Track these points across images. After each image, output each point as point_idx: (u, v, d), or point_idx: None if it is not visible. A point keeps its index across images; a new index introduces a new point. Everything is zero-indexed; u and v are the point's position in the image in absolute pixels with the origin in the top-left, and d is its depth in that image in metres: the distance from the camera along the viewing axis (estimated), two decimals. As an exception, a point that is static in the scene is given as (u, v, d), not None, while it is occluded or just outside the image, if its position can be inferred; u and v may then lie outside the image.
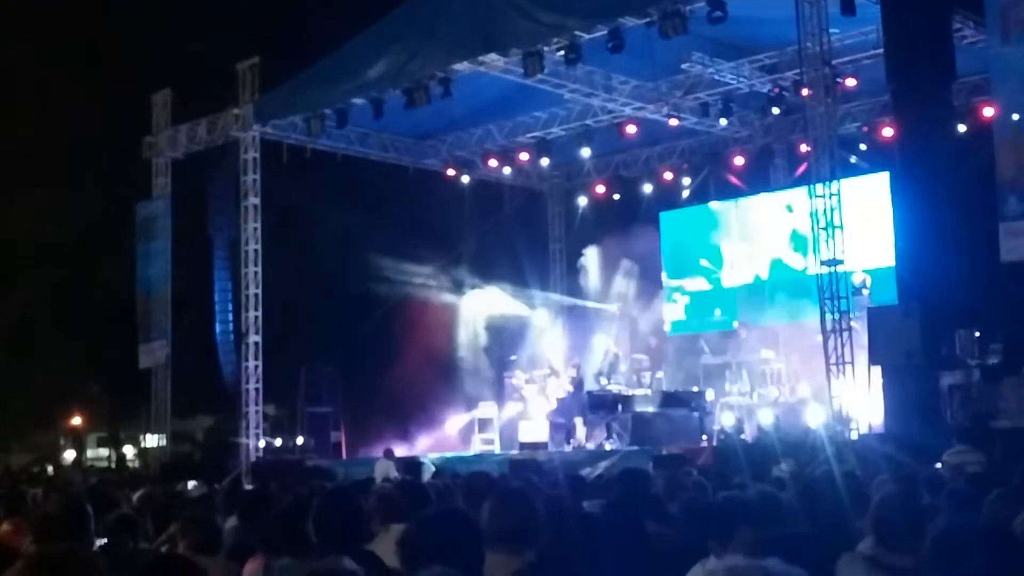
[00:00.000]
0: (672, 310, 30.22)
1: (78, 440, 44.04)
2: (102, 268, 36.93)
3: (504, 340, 30.43)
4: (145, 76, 31.82)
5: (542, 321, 30.63)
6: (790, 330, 25.96)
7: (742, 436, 22.35)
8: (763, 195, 29.19)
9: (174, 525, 8.70)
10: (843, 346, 20.14)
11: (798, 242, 26.86)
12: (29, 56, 35.54)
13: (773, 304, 27.39)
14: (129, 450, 40.46)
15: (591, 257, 31.46)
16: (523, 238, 32.07)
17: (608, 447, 24.01)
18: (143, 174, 30.21)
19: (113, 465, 37.54)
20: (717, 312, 29.17)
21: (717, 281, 29.53)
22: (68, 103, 37.10)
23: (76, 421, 43.22)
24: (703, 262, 29.77)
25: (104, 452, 43.37)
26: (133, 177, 31.13)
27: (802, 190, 22.31)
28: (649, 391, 26.57)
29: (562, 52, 22.73)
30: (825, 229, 20.39)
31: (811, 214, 20.60)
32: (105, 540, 7.36)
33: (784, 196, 28.03)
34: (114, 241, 34.54)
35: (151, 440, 31.60)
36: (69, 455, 41.93)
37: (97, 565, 4.52)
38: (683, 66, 24.74)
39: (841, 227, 20.35)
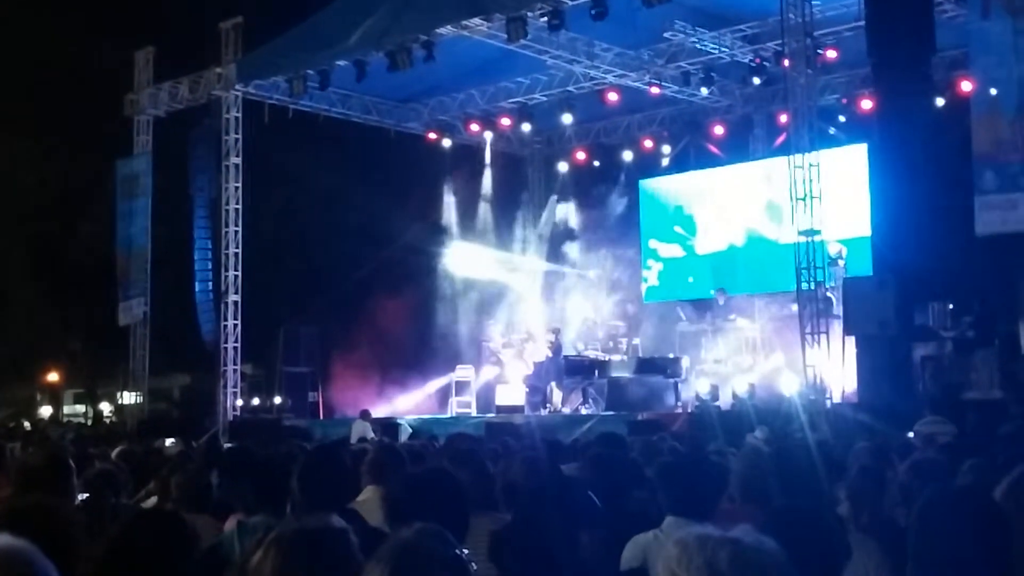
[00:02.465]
0: (648, 277, 30.37)
1: (55, 396, 44.05)
2: (82, 224, 36.93)
3: (482, 304, 30.49)
4: (128, 34, 31.71)
5: (520, 286, 30.69)
6: (766, 299, 26.16)
7: (717, 403, 22.55)
8: (741, 164, 29.25)
9: (155, 481, 8.80)
10: (818, 316, 20.32)
11: (773, 212, 26.97)
12: (10, 11, 35.32)
13: (747, 273, 27.54)
14: (106, 407, 40.50)
15: (570, 223, 31.61)
16: (503, 203, 32.21)
17: (584, 412, 24.22)
18: (124, 131, 30.19)
19: (90, 422, 37.51)
20: (690, 279, 29.30)
21: (691, 248, 29.65)
22: (50, 59, 36.97)
23: (53, 377, 43.19)
24: (678, 229, 29.89)
25: (80, 408, 43.37)
26: (114, 134, 31.10)
27: (781, 160, 22.38)
28: (625, 357, 26.71)
29: (545, 18, 22.67)
30: (803, 199, 20.50)
31: (789, 184, 20.72)
32: (87, 495, 7.40)
33: (762, 166, 28.11)
34: (94, 197, 34.49)
35: (128, 397, 31.66)
36: (45, 411, 41.93)
37: (76, 518, 4.53)
38: (665, 35, 24.80)
39: (819, 197, 20.46)
